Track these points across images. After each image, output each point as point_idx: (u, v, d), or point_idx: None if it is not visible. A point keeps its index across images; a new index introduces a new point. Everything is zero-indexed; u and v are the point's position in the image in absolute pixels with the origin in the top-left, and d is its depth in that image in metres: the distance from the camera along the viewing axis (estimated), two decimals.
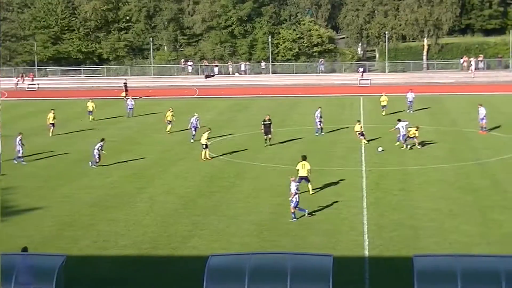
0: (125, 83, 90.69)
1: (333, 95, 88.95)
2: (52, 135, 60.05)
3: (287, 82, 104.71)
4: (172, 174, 45.41)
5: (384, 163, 46.77)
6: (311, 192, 38.96)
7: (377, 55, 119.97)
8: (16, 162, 49.15)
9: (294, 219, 34.32)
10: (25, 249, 26.16)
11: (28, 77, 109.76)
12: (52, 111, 61.21)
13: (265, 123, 53.83)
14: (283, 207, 36.40)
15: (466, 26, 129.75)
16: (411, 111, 69.96)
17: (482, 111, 57.61)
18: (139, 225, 34.38)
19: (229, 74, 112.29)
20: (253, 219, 34.90)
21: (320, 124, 58.11)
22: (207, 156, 49.04)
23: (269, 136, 53.60)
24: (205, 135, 49.20)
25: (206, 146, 49.07)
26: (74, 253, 29.93)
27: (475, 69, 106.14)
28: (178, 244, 31.57)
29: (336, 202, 37.66)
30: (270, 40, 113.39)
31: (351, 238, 32.00)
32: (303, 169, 38.76)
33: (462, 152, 50.51)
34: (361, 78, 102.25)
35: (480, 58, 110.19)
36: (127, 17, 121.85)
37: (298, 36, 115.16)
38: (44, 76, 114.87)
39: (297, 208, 34.58)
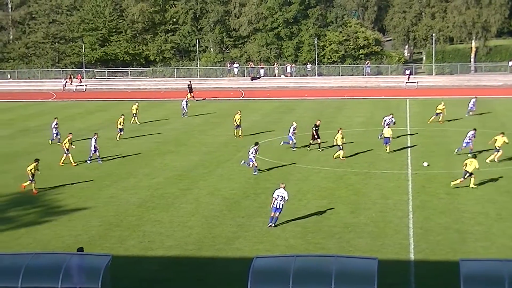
0: (189, 85, 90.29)
1: (379, 98, 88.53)
2: (119, 139, 59.91)
3: (333, 84, 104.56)
4: (216, 176, 45.49)
5: (431, 166, 46.33)
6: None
7: (424, 58, 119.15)
8: (89, 162, 50.10)
9: (272, 224, 34.07)
10: (81, 249, 26.32)
11: (76, 78, 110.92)
12: (122, 116, 60.91)
13: (316, 128, 53.34)
14: (327, 209, 36.30)
15: None
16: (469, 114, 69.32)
17: None
18: (184, 226, 34.50)
19: (275, 76, 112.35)
20: (297, 221, 34.81)
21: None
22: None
23: (318, 140, 53.01)
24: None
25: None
26: (120, 253, 30.14)
27: None
28: (222, 245, 31.60)
29: (382, 205, 37.44)
30: (316, 42, 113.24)
31: (397, 241, 31.76)
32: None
33: (511, 155, 49.85)
34: (407, 81, 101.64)
35: None
36: (174, 19, 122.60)
37: (344, 38, 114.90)
38: (91, 78, 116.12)
39: (277, 215, 34.25)
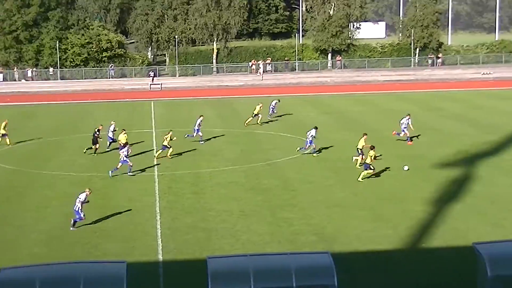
0: None
1: (124, 100, 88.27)
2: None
3: (76, 88, 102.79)
4: None
5: (176, 167, 46.87)
6: None
7: (167, 60, 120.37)
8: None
9: (73, 228, 33.79)
10: None
11: None
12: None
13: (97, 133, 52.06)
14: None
15: (254, 30, 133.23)
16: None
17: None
18: None
19: (15, 80, 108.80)
20: (42, 229, 33.91)
21: (198, 132, 55.42)
22: None
23: (96, 146, 51.70)
24: None
25: None
26: None
27: (264, 71, 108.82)
28: None
29: (130, 208, 37.31)
30: (58, 45, 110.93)
31: (146, 243, 31.81)
32: None
33: (253, 153, 51.51)
34: (152, 83, 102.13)
35: (268, 61, 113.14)
36: None
37: (87, 41, 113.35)
38: None
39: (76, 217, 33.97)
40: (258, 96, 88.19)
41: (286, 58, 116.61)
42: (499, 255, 24.06)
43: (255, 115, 63.60)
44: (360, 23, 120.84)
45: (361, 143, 46.36)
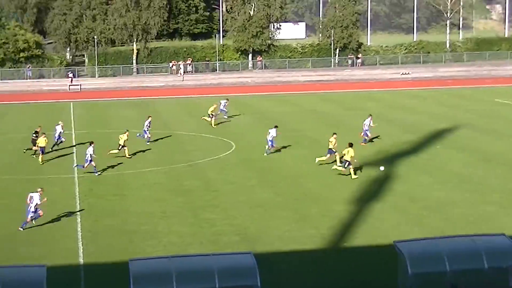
0: None
1: (42, 102, 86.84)
2: None
3: None
4: None
5: (98, 169, 46.27)
6: None
7: (86, 60, 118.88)
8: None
9: (21, 229, 33.39)
10: None
11: None
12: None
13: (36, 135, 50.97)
14: None
15: (174, 30, 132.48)
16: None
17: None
18: None
19: None
20: None
21: (147, 133, 55.06)
22: None
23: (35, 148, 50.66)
24: None
25: None
26: None
27: (184, 72, 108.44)
28: None
29: (50, 211, 36.59)
30: None
31: (66, 246, 31.34)
32: None
33: (175, 154, 51.26)
34: (70, 84, 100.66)
35: (189, 62, 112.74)
36: None
37: (3, 41, 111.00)
38: None
39: (33, 221, 33.39)
40: (179, 97, 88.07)
41: (206, 59, 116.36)
42: (419, 253, 24.42)
43: (211, 115, 63.40)
44: (280, 23, 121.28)
45: (331, 143, 46.50)
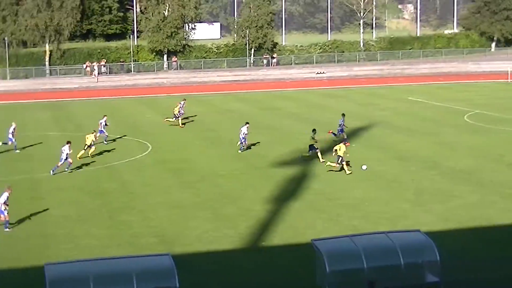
0: None
1: None
2: None
3: None
4: None
5: (12, 172, 45.40)
6: None
7: None
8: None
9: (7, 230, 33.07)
10: None
11: None
12: None
13: None
14: None
15: (88, 31, 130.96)
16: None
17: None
18: None
19: None
20: None
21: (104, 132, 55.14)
22: None
23: None
24: None
25: None
26: None
27: (99, 73, 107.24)
28: None
29: None
30: None
31: None
32: None
33: (91, 156, 50.54)
34: None
35: (103, 63, 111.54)
36: None
37: None
38: None
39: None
40: (93, 99, 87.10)
41: (121, 60, 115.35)
42: (336, 251, 24.65)
43: (176, 116, 62.90)
44: (195, 24, 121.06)
45: (312, 140, 47.02)
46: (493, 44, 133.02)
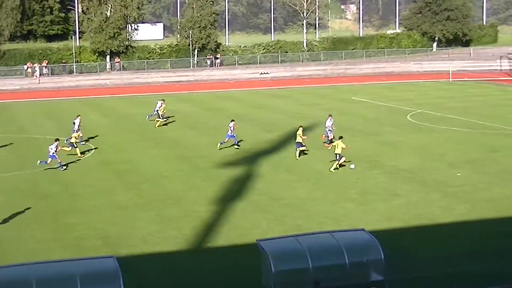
0: None
1: None
2: None
3: None
4: None
5: None
6: None
7: None
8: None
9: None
10: None
11: None
12: None
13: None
14: None
15: (29, 32, 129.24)
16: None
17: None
18: None
19: None
20: None
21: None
22: None
23: None
24: None
25: None
26: None
27: (40, 75, 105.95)
28: None
29: None
30: None
31: None
32: None
33: (32, 158, 49.89)
34: None
35: (44, 64, 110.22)
36: None
37: None
38: None
39: None
40: (35, 100, 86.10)
41: (63, 61, 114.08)
42: (281, 251, 24.71)
43: (162, 117, 62.80)
44: (138, 24, 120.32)
45: (298, 137, 47.46)
46: (435, 44, 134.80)
